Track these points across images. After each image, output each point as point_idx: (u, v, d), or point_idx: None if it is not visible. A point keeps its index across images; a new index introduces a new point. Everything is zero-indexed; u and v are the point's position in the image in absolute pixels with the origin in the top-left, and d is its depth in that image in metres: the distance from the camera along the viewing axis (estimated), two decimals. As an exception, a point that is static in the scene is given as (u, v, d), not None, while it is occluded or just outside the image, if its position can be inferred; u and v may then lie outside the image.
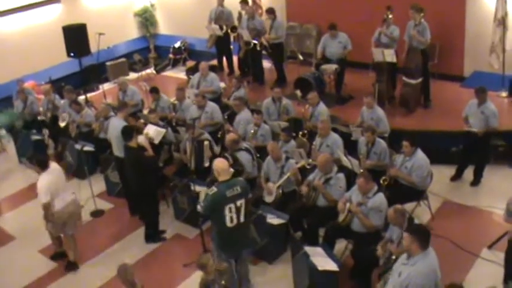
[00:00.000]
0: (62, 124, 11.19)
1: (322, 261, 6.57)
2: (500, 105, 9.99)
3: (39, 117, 12.01)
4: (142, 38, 17.02)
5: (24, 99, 11.99)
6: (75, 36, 12.67)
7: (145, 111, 11.20)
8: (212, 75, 11.69)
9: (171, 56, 16.02)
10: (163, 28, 17.10)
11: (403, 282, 5.42)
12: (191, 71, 13.86)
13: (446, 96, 11.19)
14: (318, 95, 9.93)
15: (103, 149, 10.01)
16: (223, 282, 5.93)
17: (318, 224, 7.70)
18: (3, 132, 12.36)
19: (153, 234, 8.65)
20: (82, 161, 9.76)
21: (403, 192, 8.01)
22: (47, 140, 11.53)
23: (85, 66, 13.53)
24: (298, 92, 11.10)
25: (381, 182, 7.88)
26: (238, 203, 6.49)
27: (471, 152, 9.18)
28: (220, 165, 6.59)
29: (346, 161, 8.40)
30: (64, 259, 8.32)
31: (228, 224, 6.49)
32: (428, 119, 10.61)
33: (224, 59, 14.16)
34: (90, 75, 14.31)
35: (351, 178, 8.00)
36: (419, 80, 10.66)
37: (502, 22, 10.60)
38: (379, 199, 7.03)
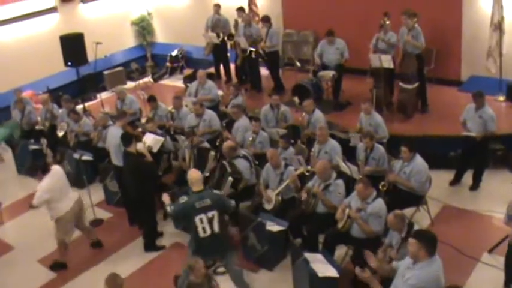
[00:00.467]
0: (60, 133, 11.20)
1: (322, 267, 6.55)
2: (498, 109, 10.01)
3: (37, 127, 12.01)
4: (139, 46, 17.04)
5: (21, 109, 12.00)
6: (73, 46, 12.69)
7: (143, 120, 11.20)
8: (210, 83, 11.70)
9: (168, 64, 16.05)
10: (160, 36, 17.13)
11: (408, 281, 5.40)
12: (189, 79, 13.88)
13: (443, 101, 11.21)
14: (313, 102, 9.94)
15: (101, 158, 10.00)
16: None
17: (318, 230, 7.68)
18: (1, 142, 12.35)
19: (152, 243, 8.63)
20: (80, 170, 9.73)
21: (402, 197, 8.00)
22: (45, 150, 11.45)
23: (82, 75, 13.55)
24: (296, 99, 11.10)
25: (380, 187, 7.87)
26: (210, 214, 6.64)
27: (470, 156, 9.18)
28: (194, 176, 6.79)
29: (344, 167, 8.40)
30: (63, 269, 8.33)
31: (201, 234, 6.67)
32: (426, 124, 10.62)
33: (221, 66, 14.18)
34: (87, 84, 14.31)
35: (349, 184, 7.98)
36: (416, 85, 10.67)
37: (498, 26, 10.64)
38: (378, 205, 7.02)
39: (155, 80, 15.92)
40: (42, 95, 12.37)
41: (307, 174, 8.38)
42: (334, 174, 7.81)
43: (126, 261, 8.42)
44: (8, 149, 12.21)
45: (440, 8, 11.52)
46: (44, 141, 11.55)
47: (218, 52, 13.89)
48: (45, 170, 8.25)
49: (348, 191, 7.75)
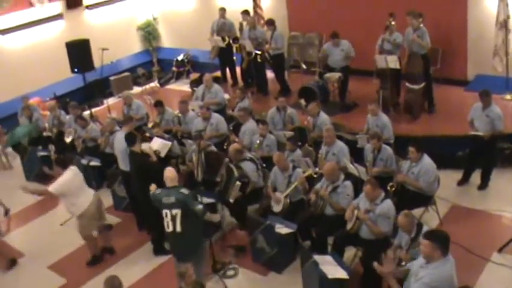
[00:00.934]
0: (68, 140, 11.24)
1: (332, 269, 6.55)
2: (504, 108, 9.96)
3: (44, 134, 12.07)
4: (145, 51, 17.12)
5: (29, 116, 12.07)
6: (79, 52, 12.77)
7: (150, 125, 11.22)
8: (216, 86, 11.72)
9: (174, 68, 16.09)
10: (166, 41, 17.20)
11: (422, 280, 5.40)
12: (195, 83, 13.91)
13: (450, 101, 11.19)
14: (317, 105, 9.92)
15: (109, 163, 10.03)
16: None
17: (327, 232, 7.67)
18: (10, 149, 12.40)
19: (161, 247, 8.63)
20: (89, 175, 9.75)
21: (411, 198, 7.98)
22: (53, 156, 11.55)
23: (89, 81, 13.59)
24: (303, 101, 11.11)
25: (388, 188, 7.86)
26: (174, 211, 6.96)
27: (478, 155, 9.15)
28: (168, 175, 7.18)
29: (352, 168, 8.39)
30: (101, 262, 8.57)
31: (166, 228, 7.09)
32: (433, 124, 10.60)
33: (227, 70, 14.21)
34: (94, 90, 14.37)
35: (358, 185, 7.97)
36: (422, 85, 10.66)
37: (504, 25, 10.62)
38: (387, 205, 7.01)
39: (161, 84, 15.97)
40: (49, 102, 12.43)
41: (315, 176, 8.39)
42: (342, 176, 7.80)
43: (136, 265, 8.45)
44: (16, 156, 12.26)
45: (446, 7, 11.51)
46: (52, 147, 11.62)
47: (224, 56, 13.91)
48: (61, 162, 8.58)
49: (357, 192, 7.74)
